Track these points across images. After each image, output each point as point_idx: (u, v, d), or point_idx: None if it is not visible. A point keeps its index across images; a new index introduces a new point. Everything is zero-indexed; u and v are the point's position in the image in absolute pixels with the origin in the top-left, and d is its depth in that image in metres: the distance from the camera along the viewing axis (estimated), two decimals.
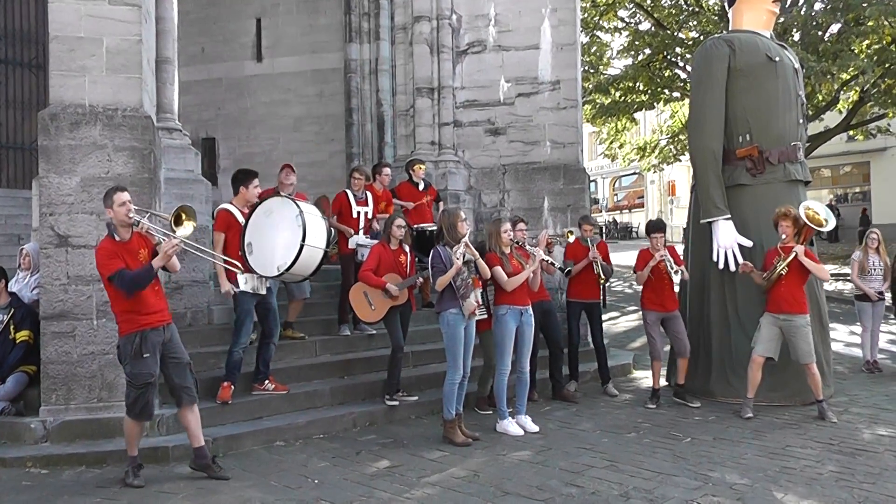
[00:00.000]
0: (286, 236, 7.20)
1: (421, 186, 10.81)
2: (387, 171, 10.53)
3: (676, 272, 8.99)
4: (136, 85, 7.40)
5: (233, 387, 7.63)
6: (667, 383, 9.35)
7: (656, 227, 9.33)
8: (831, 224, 8.58)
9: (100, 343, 7.13)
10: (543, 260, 8.23)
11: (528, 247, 8.30)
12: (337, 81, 14.20)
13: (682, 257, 9.45)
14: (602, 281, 9.44)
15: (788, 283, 8.28)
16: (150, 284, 6.03)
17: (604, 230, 45.84)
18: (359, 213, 9.68)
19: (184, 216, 6.16)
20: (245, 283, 7.35)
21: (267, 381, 7.98)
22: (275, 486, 6.13)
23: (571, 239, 9.55)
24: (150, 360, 6.05)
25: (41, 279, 7.20)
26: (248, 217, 7.51)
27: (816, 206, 8.64)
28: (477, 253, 7.52)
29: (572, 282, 9.62)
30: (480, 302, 7.66)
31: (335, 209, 9.71)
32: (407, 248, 8.45)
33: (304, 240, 7.12)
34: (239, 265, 7.01)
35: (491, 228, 8.08)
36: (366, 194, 9.85)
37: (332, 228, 9.76)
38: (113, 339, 7.09)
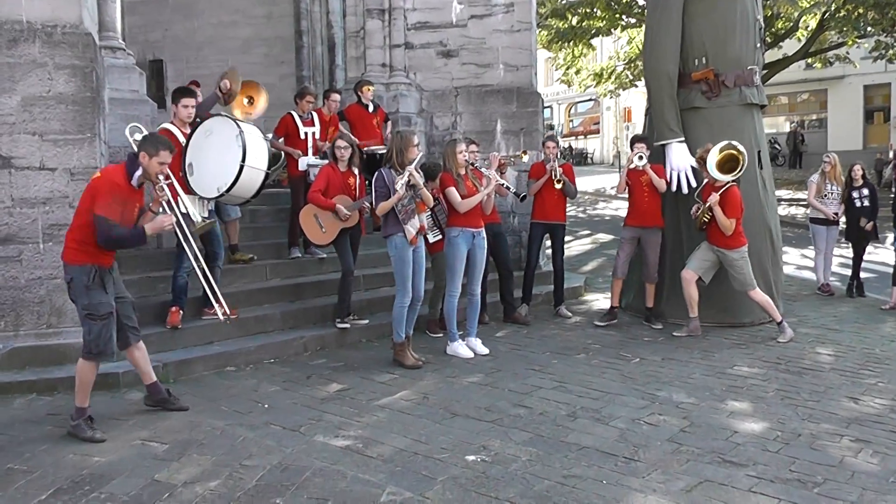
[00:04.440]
0: (226, 157, 7.03)
1: (370, 108, 10.58)
2: (335, 97, 10.23)
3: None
4: (75, 1, 7.09)
5: (181, 311, 7.52)
6: (617, 305, 9.35)
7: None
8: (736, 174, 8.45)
9: (47, 267, 6.97)
10: (498, 183, 8.19)
11: (483, 169, 8.23)
12: (286, 3, 13.85)
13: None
14: (566, 196, 9.51)
15: (714, 223, 8.37)
16: None
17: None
18: (306, 133, 9.48)
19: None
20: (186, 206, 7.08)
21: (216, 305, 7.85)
22: (225, 411, 6.09)
23: (525, 159, 9.48)
24: (109, 292, 5.77)
25: None
26: (188, 137, 7.32)
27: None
28: (421, 180, 7.41)
29: (536, 203, 9.61)
30: (425, 226, 7.61)
31: (281, 132, 9.49)
32: (356, 171, 8.31)
33: (244, 160, 6.97)
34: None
35: (447, 149, 8.01)
36: (311, 114, 9.65)
37: (281, 152, 9.60)
38: (61, 263, 6.94)
